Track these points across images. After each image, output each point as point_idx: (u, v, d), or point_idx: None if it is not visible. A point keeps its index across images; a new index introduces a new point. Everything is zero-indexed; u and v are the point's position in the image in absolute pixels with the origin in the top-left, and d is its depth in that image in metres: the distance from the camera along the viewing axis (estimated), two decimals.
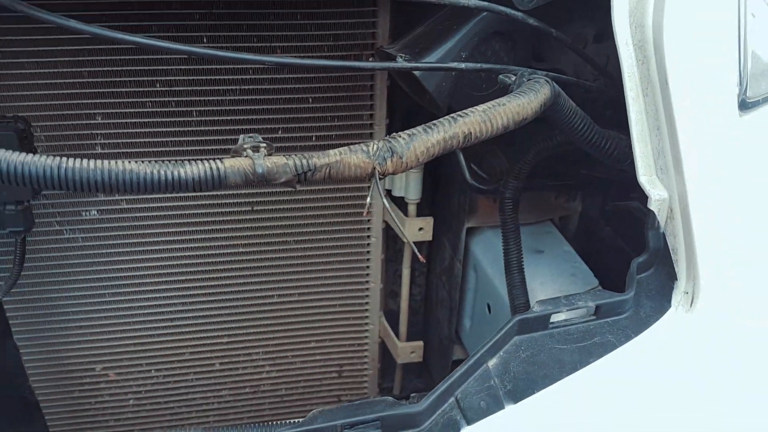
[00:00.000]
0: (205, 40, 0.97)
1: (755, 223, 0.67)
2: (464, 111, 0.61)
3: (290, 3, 0.95)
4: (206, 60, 0.97)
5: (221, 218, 1.12)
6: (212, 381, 1.27)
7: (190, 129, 1.03)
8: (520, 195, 0.96)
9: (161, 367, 1.23)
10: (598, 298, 0.64)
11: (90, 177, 0.52)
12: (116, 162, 0.53)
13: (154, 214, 1.09)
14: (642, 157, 0.66)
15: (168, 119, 1.02)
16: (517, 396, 0.59)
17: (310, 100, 1.05)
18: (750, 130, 0.68)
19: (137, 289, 1.15)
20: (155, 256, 1.13)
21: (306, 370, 1.30)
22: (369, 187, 0.60)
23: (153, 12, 0.92)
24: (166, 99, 1.00)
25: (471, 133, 0.61)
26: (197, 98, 1.01)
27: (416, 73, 0.81)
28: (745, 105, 0.69)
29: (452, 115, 0.61)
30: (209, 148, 1.05)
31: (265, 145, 0.58)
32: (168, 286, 1.16)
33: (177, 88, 1.00)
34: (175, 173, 0.54)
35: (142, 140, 1.02)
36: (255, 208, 1.13)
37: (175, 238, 1.12)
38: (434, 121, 0.61)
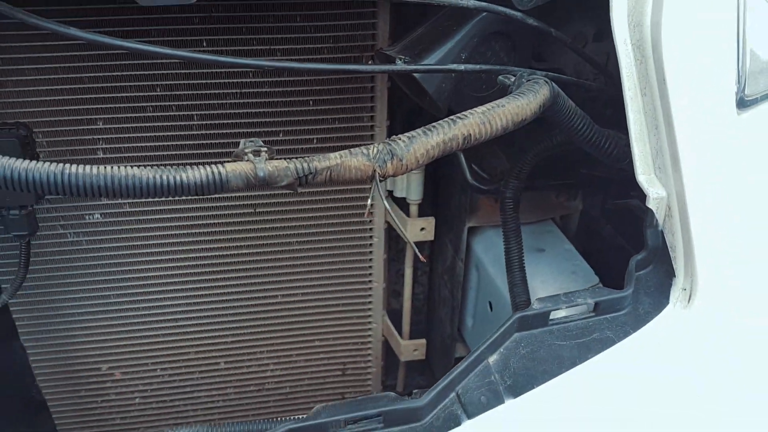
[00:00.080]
0: (204, 44, 0.98)
1: (753, 220, 0.68)
2: (463, 113, 0.62)
3: (289, 5, 0.96)
4: (206, 64, 0.98)
5: (224, 220, 1.13)
6: (217, 380, 1.28)
7: (190, 133, 1.04)
8: (521, 194, 0.96)
9: (167, 366, 1.24)
10: (597, 295, 0.65)
11: (93, 182, 0.53)
12: (119, 167, 0.54)
13: (157, 216, 1.10)
14: (640, 156, 0.66)
15: (169, 123, 1.02)
16: (516, 391, 0.59)
17: (311, 102, 1.06)
18: (748, 128, 0.69)
19: (141, 290, 1.16)
20: (158, 258, 1.14)
21: (310, 369, 1.31)
22: (370, 188, 0.61)
23: (152, 16, 0.93)
24: (166, 103, 1.01)
25: (470, 134, 0.61)
26: (198, 102, 1.02)
27: (416, 75, 0.81)
28: (743, 103, 0.69)
29: (451, 117, 0.62)
30: (210, 151, 1.05)
31: (266, 149, 0.59)
32: (172, 287, 1.17)
33: (177, 93, 1.01)
34: (178, 178, 0.54)
35: (143, 144, 1.03)
36: (258, 209, 1.14)
37: (179, 240, 1.13)
38: (434, 124, 0.62)
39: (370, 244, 1.22)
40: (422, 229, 1.19)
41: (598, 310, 0.65)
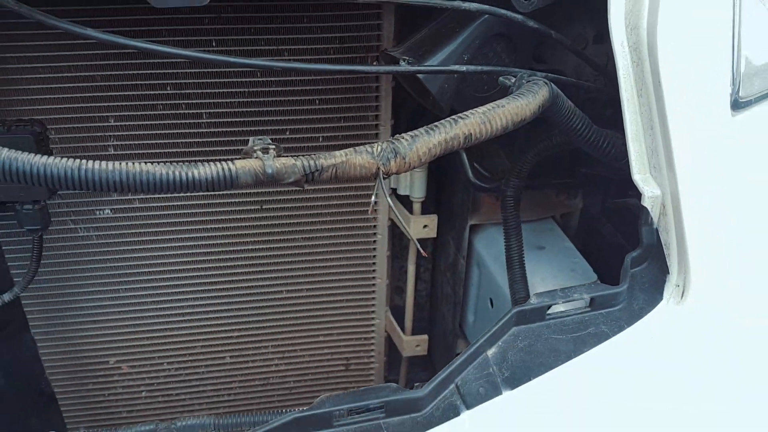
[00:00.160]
0: (214, 44, 1.00)
1: (745, 219, 0.69)
2: (465, 113, 0.64)
3: (297, 6, 0.98)
4: (215, 64, 1.00)
5: (231, 216, 1.15)
6: (223, 374, 1.30)
7: (200, 131, 1.06)
8: (522, 193, 0.98)
9: (173, 360, 1.26)
10: (593, 290, 0.67)
11: (109, 177, 0.55)
12: (133, 163, 0.56)
13: (166, 212, 1.13)
14: (636, 156, 0.68)
15: (179, 121, 1.05)
16: (514, 383, 0.61)
17: (317, 101, 1.08)
18: (742, 129, 0.71)
19: (149, 284, 1.19)
20: (167, 253, 1.16)
21: (314, 363, 1.33)
22: (374, 186, 0.63)
23: (163, 17, 0.95)
24: (176, 102, 1.03)
25: (471, 134, 0.63)
26: (207, 101, 1.04)
27: (420, 76, 0.83)
28: (737, 105, 0.71)
29: (453, 116, 0.64)
30: (218, 149, 1.08)
31: (274, 146, 0.61)
32: (179, 282, 1.19)
33: (187, 91, 1.03)
34: (189, 174, 0.57)
35: (153, 142, 1.05)
36: (264, 206, 1.16)
37: (186, 235, 1.16)
38: (436, 123, 0.64)
39: (374, 241, 1.24)
40: (425, 226, 1.21)
41: (594, 305, 0.67)
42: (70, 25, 0.66)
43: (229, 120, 1.06)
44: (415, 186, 1.19)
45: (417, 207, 1.20)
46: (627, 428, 0.64)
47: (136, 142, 1.05)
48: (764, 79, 0.73)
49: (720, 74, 0.68)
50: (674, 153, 0.65)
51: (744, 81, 0.71)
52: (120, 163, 0.55)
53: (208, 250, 1.17)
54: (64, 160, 0.55)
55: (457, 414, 0.60)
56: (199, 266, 1.19)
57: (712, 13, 0.67)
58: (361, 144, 1.15)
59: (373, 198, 0.63)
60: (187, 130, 1.05)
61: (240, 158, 0.60)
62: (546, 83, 0.70)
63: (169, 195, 1.09)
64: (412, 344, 1.35)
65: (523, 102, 0.66)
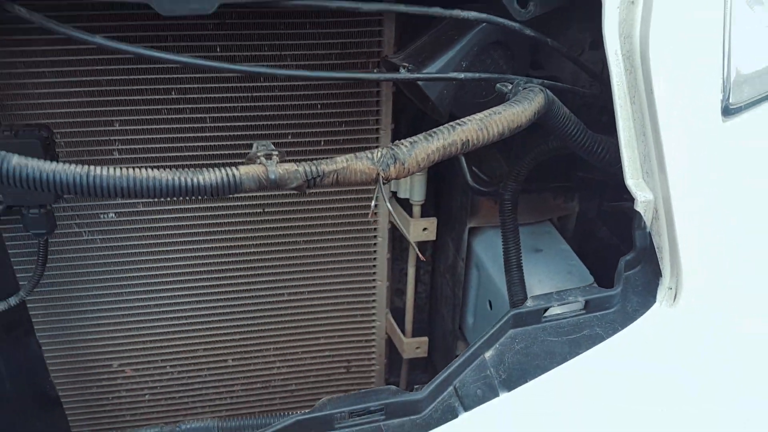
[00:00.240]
0: (218, 50, 1.02)
1: (737, 222, 0.71)
2: (462, 120, 0.66)
3: (300, 13, 1.00)
4: (220, 70, 1.02)
5: (233, 220, 1.17)
6: (225, 377, 1.32)
7: (203, 135, 1.08)
8: (519, 197, 1.00)
9: (176, 363, 1.28)
10: (588, 293, 0.68)
11: (116, 183, 0.57)
12: (140, 169, 0.57)
13: (169, 216, 1.14)
14: (629, 162, 0.70)
15: (183, 125, 1.06)
16: (510, 384, 0.63)
17: (319, 106, 1.10)
18: (733, 135, 0.72)
19: (153, 288, 1.20)
20: (170, 256, 1.18)
21: (315, 366, 1.35)
22: (374, 190, 0.64)
23: (168, 23, 0.97)
24: (180, 106, 1.05)
25: (468, 140, 0.65)
26: (211, 105, 1.06)
27: (419, 82, 0.85)
28: (728, 111, 0.73)
29: (451, 123, 0.66)
30: (222, 152, 1.09)
31: (277, 152, 0.62)
32: (182, 285, 1.21)
33: (191, 96, 1.05)
34: (194, 180, 0.58)
35: (158, 146, 1.07)
36: (266, 210, 1.17)
37: (189, 239, 1.17)
38: (434, 129, 0.65)
39: (374, 244, 1.25)
40: (425, 229, 1.22)
41: (589, 307, 0.68)
42: (80, 33, 0.67)
43: (232, 124, 1.08)
44: (414, 189, 1.20)
45: (417, 210, 1.22)
46: (621, 429, 0.65)
47: (141, 146, 1.07)
48: (753, 86, 0.74)
49: (711, 82, 0.70)
50: (666, 159, 0.66)
51: (734, 88, 0.73)
52: (127, 169, 0.57)
53: (211, 253, 1.19)
54: (73, 166, 0.56)
55: (455, 416, 0.62)
56: (201, 269, 1.20)
57: (702, 22, 0.69)
58: (362, 147, 1.17)
59: (373, 203, 0.65)
60: (191, 134, 1.07)
61: (243, 164, 0.61)
62: (541, 90, 0.72)
63: (173, 199, 1.10)
64: (413, 346, 1.36)
65: (519, 109, 0.67)
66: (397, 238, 1.32)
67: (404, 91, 1.00)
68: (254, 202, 1.16)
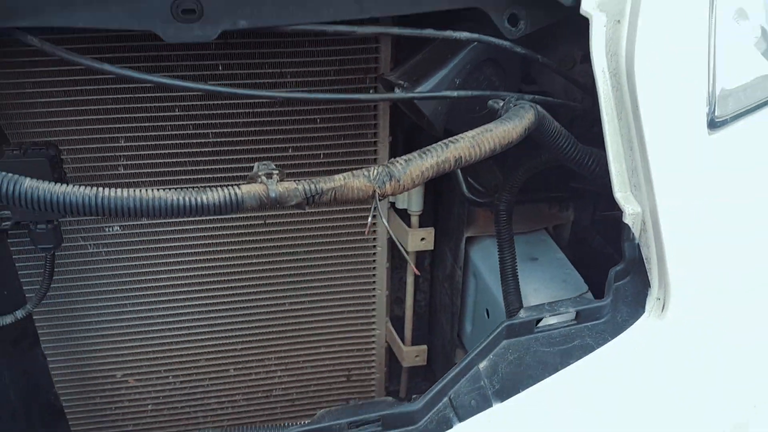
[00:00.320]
0: (220, 68, 1.05)
1: (723, 233, 0.73)
2: (455, 137, 0.68)
3: (299, 34, 1.02)
4: (221, 94, 1.04)
5: (235, 231, 1.19)
6: (227, 386, 1.34)
7: (206, 150, 1.10)
8: (514, 207, 1.02)
9: (178, 373, 1.30)
10: (579, 304, 0.70)
11: (124, 204, 0.59)
12: (146, 190, 0.60)
13: (173, 228, 1.17)
14: (617, 175, 0.72)
15: (186, 141, 1.09)
16: (504, 395, 0.65)
17: (318, 120, 1.12)
18: (719, 147, 0.74)
19: (156, 299, 1.22)
20: (173, 268, 1.20)
21: (316, 375, 1.37)
22: (372, 204, 0.67)
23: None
24: (184, 123, 1.08)
25: (461, 157, 0.67)
26: (213, 121, 1.08)
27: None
28: (714, 124, 0.75)
29: (444, 141, 0.68)
30: (225, 166, 1.12)
31: (277, 171, 0.65)
32: (185, 296, 1.23)
33: (194, 112, 1.07)
34: (198, 199, 0.61)
35: (162, 161, 1.10)
36: (267, 221, 1.20)
37: (192, 250, 1.19)
38: (428, 147, 0.68)
39: (374, 253, 1.28)
40: (422, 239, 1.24)
41: (580, 318, 0.70)
42: (89, 60, 0.70)
43: (235, 139, 1.10)
44: (412, 200, 1.22)
45: (415, 220, 1.24)
46: None
47: (146, 161, 1.09)
48: (738, 100, 0.77)
49: (696, 96, 0.72)
50: (652, 172, 0.69)
51: (719, 101, 0.75)
52: (134, 191, 0.59)
53: (212, 264, 1.21)
54: (82, 188, 0.59)
55: (450, 426, 0.63)
56: (203, 280, 1.22)
57: (687, 39, 0.71)
58: (361, 160, 1.19)
59: (369, 219, 0.67)
60: (194, 150, 1.10)
61: (245, 183, 0.64)
62: (532, 107, 0.74)
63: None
64: (412, 354, 1.38)
65: (509, 126, 0.70)
66: (396, 248, 1.34)
67: (401, 106, 1.03)
68: (256, 214, 1.18)
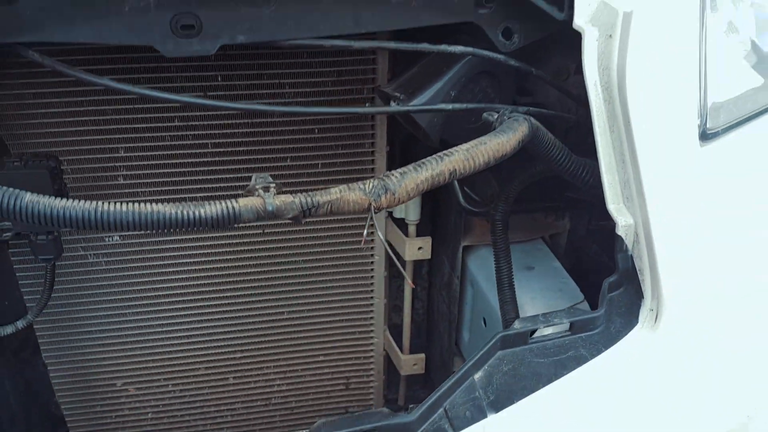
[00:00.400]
0: (219, 79, 1.06)
1: (714, 245, 0.74)
2: (449, 150, 0.69)
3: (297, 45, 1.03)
4: (220, 98, 1.05)
5: (234, 241, 1.20)
6: (226, 395, 1.34)
7: (205, 160, 1.11)
8: (510, 217, 1.03)
9: (178, 381, 1.30)
10: (572, 315, 0.71)
11: (123, 218, 0.60)
12: (144, 204, 0.61)
13: (172, 237, 1.17)
14: (610, 187, 0.73)
15: (185, 151, 1.10)
16: (498, 406, 0.65)
17: (316, 130, 1.13)
18: (712, 158, 0.75)
19: (156, 308, 1.23)
20: (172, 277, 1.21)
21: (315, 383, 1.37)
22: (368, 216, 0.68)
23: None
24: (183, 133, 1.09)
25: (456, 170, 0.68)
26: (212, 132, 1.10)
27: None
28: (705, 136, 0.76)
29: (439, 154, 0.69)
30: (224, 176, 1.13)
31: (274, 184, 0.66)
32: (184, 305, 1.24)
33: (193, 123, 1.09)
34: (196, 213, 0.62)
35: (161, 171, 1.11)
36: (265, 231, 1.21)
37: (191, 260, 1.20)
38: (423, 160, 0.69)
39: (372, 262, 1.28)
40: (420, 248, 1.25)
41: (574, 329, 0.71)
42: (90, 75, 0.71)
43: (233, 149, 1.11)
44: (410, 209, 1.23)
45: (412, 229, 1.25)
46: None
47: (145, 172, 1.10)
48: (729, 112, 0.78)
49: (688, 109, 0.73)
50: (644, 185, 0.69)
51: (711, 113, 0.76)
52: (133, 205, 0.60)
53: (212, 274, 1.22)
54: (82, 203, 0.60)
55: None
56: (203, 289, 1.23)
57: (678, 53, 0.72)
58: (359, 169, 1.20)
59: (365, 232, 0.68)
60: (193, 159, 1.11)
61: (242, 195, 0.65)
62: (526, 119, 0.75)
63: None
64: (410, 363, 1.38)
65: (503, 139, 0.71)
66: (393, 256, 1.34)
67: (398, 118, 1.04)
68: (254, 224, 1.19)
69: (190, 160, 1.11)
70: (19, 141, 1.04)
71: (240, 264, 1.22)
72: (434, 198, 1.26)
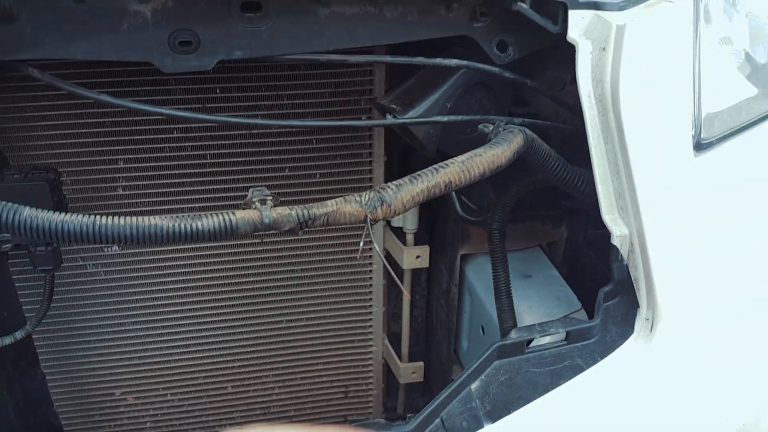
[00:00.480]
0: (218, 91, 1.07)
1: (709, 254, 0.74)
2: (445, 162, 0.70)
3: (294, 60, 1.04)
4: (219, 109, 1.06)
5: (232, 250, 1.20)
6: (225, 403, 1.34)
7: (204, 170, 1.12)
8: (507, 226, 1.03)
9: (177, 391, 1.30)
10: (569, 325, 0.71)
11: (120, 232, 0.61)
12: (142, 218, 0.61)
13: (170, 248, 1.18)
14: (605, 197, 0.74)
15: (184, 162, 1.11)
16: (494, 416, 0.66)
17: (314, 141, 1.14)
18: (706, 168, 0.76)
19: (154, 318, 1.23)
20: (171, 287, 1.21)
21: (314, 392, 1.37)
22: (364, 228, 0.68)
23: None
24: (182, 144, 1.10)
25: (451, 181, 0.69)
26: (211, 142, 1.10)
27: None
28: (700, 146, 0.77)
29: (434, 166, 0.70)
30: (223, 186, 1.14)
31: (271, 197, 0.67)
32: (183, 315, 1.24)
33: (192, 134, 1.09)
34: (194, 226, 0.62)
35: (160, 182, 1.11)
36: (264, 239, 1.21)
37: (189, 269, 1.21)
38: (419, 172, 0.69)
39: (370, 271, 1.29)
40: (418, 257, 1.26)
41: (570, 338, 0.71)
42: (81, 89, 0.72)
43: (232, 160, 1.12)
44: (408, 218, 1.24)
45: (410, 238, 1.25)
46: None
47: (144, 183, 1.11)
48: (723, 122, 0.79)
49: (681, 119, 0.74)
50: (638, 195, 0.70)
51: (705, 124, 0.77)
52: (131, 219, 0.61)
53: (211, 283, 1.22)
54: (80, 216, 0.60)
55: None
56: (201, 299, 1.23)
57: (671, 65, 0.73)
58: (357, 179, 1.21)
59: (361, 244, 0.69)
60: (192, 170, 1.12)
61: (240, 209, 0.65)
62: (521, 131, 0.76)
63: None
64: (409, 371, 1.38)
65: (498, 150, 0.71)
66: (392, 264, 1.35)
67: (395, 129, 1.05)
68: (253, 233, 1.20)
69: (189, 171, 1.11)
70: (18, 153, 1.04)
71: (239, 273, 1.23)
72: (432, 207, 1.26)
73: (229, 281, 1.23)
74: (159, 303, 1.22)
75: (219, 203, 1.14)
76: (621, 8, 0.74)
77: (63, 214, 0.60)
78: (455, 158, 0.70)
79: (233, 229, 0.63)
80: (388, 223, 1.27)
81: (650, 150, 0.71)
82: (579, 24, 0.74)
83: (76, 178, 1.09)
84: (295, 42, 0.73)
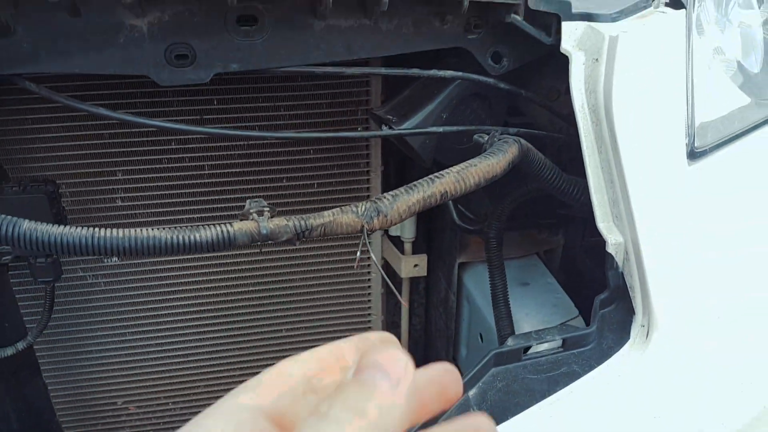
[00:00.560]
0: (215, 102, 1.08)
1: (704, 262, 0.75)
2: (440, 172, 0.71)
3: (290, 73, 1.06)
4: (216, 121, 1.08)
5: (232, 260, 1.21)
6: None
7: (202, 181, 1.13)
8: (504, 234, 1.04)
9: (178, 400, 1.31)
10: (565, 332, 0.72)
11: (119, 244, 0.61)
12: (140, 230, 0.62)
13: (170, 258, 1.19)
14: (599, 206, 0.74)
15: (183, 173, 1.12)
16: None
17: (312, 151, 1.15)
18: (699, 177, 0.77)
19: (155, 327, 1.24)
20: (171, 297, 1.22)
21: None
22: (361, 239, 0.69)
23: None
24: (180, 155, 1.10)
25: (447, 191, 0.70)
26: (209, 153, 1.11)
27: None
28: (693, 155, 0.77)
29: (430, 176, 0.70)
30: (221, 197, 1.14)
31: (268, 208, 0.67)
32: (183, 324, 1.25)
33: (190, 145, 1.10)
34: (192, 237, 0.63)
35: (159, 193, 1.12)
36: (263, 249, 1.22)
37: (190, 279, 1.21)
38: (415, 182, 0.70)
39: (369, 279, 1.29)
40: (416, 265, 1.26)
41: (566, 345, 0.72)
42: (74, 101, 0.73)
43: (230, 170, 1.13)
44: (405, 227, 1.25)
45: (408, 247, 1.26)
46: None
47: (143, 194, 1.12)
48: (717, 131, 0.79)
49: (675, 128, 0.75)
50: (632, 204, 0.71)
51: (698, 133, 0.78)
52: (129, 231, 0.61)
53: (211, 292, 1.23)
54: (79, 229, 0.61)
55: None
56: (201, 308, 1.24)
57: (664, 75, 0.74)
58: (354, 189, 1.21)
59: (358, 254, 0.69)
60: (190, 181, 1.12)
61: (237, 220, 0.66)
62: (516, 141, 0.77)
63: None
64: None
65: (493, 161, 0.72)
66: (390, 273, 1.36)
67: (391, 139, 1.06)
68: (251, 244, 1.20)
69: (187, 182, 1.12)
70: (17, 166, 1.05)
71: (238, 283, 1.23)
72: (429, 216, 1.27)
73: (229, 291, 1.24)
74: (159, 313, 1.23)
75: (217, 214, 1.15)
76: (614, 19, 0.76)
77: (62, 227, 0.61)
78: (451, 168, 0.71)
79: (231, 240, 0.64)
80: (386, 232, 1.28)
81: (644, 159, 0.72)
82: (572, 35, 0.75)
83: (75, 190, 1.10)
84: (291, 55, 0.74)
